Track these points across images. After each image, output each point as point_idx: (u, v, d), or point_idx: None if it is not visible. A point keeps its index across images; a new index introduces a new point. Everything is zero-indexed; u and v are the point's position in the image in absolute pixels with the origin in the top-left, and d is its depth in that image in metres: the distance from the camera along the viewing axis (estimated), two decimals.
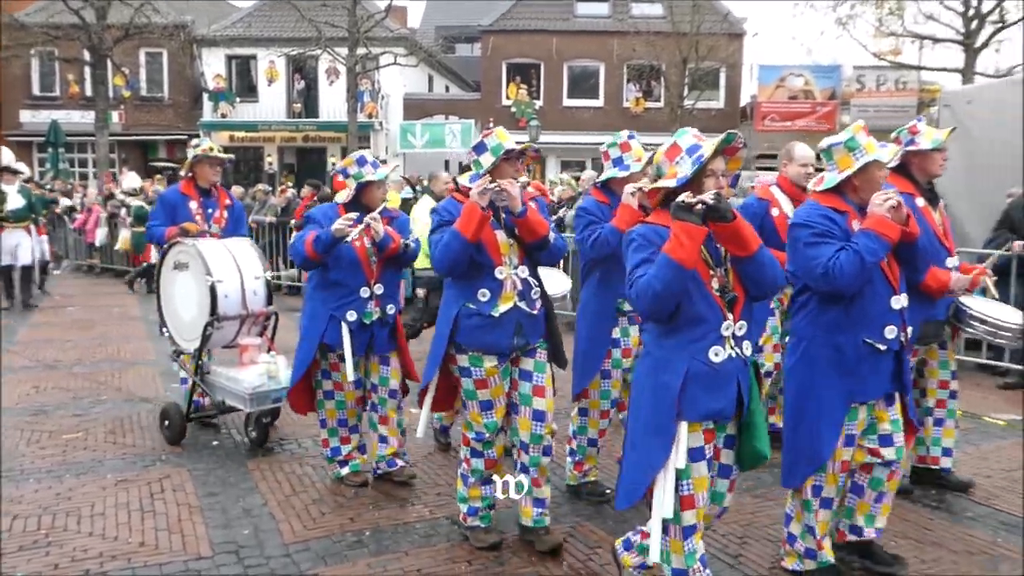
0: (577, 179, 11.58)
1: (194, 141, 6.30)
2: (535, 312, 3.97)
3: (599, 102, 29.65)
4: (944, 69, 22.10)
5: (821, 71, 27.94)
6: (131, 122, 29.17)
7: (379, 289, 4.68)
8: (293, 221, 13.15)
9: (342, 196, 4.68)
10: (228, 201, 6.35)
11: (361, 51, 22.67)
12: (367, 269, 4.63)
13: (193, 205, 6.07)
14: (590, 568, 3.86)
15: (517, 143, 3.91)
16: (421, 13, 42.77)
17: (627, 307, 4.41)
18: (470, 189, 3.80)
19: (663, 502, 3.00)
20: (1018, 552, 4.06)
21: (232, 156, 6.19)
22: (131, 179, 16.96)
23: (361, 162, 4.65)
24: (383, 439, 4.86)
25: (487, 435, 3.95)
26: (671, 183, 3.03)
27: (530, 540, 4.03)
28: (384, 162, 4.49)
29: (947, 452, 4.76)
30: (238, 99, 28.86)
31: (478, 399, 3.93)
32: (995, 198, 7.99)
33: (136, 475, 5.02)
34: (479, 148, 3.88)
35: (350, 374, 4.61)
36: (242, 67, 29.70)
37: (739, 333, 3.05)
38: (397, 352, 4.85)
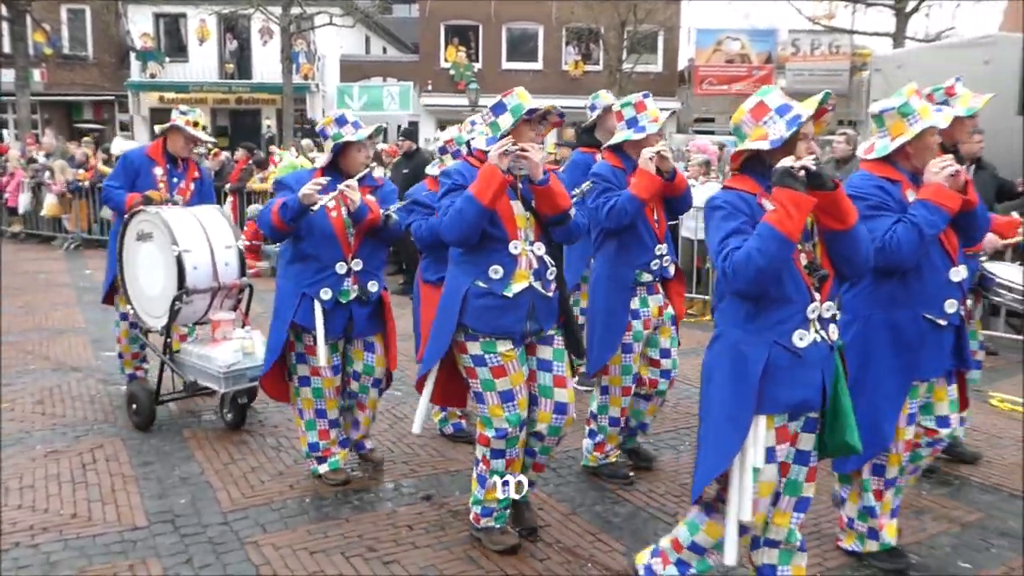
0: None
1: (183, 107, 5.73)
2: (550, 295, 3.61)
3: (538, 65, 29.46)
4: (876, 33, 22.50)
5: (757, 35, 28.22)
6: (54, 81, 28.05)
7: (357, 265, 4.21)
8: (228, 186, 12.88)
9: (321, 159, 4.31)
10: (197, 173, 5.88)
11: (296, 11, 22.14)
12: (343, 242, 4.15)
13: (158, 171, 5.59)
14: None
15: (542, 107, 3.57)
16: None
17: (645, 278, 4.23)
18: (485, 153, 3.49)
19: (740, 503, 2.75)
20: (940, 504, 4.24)
21: (213, 141, 5.83)
22: (120, 143, 16.12)
23: (340, 121, 4.19)
24: (355, 423, 4.55)
25: (510, 431, 3.52)
26: (762, 145, 2.73)
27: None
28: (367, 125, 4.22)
29: (961, 422, 4.80)
30: (167, 59, 27.94)
31: (496, 389, 3.52)
32: None
33: (67, 446, 4.89)
34: (498, 108, 3.52)
35: (322, 358, 4.17)
36: (171, 25, 28.72)
37: (826, 315, 2.79)
38: (382, 336, 4.42)
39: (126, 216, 5.38)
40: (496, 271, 3.47)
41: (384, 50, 33.75)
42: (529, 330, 3.55)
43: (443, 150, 4.94)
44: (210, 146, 5.25)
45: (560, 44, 29.27)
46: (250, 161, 13.36)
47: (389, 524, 3.95)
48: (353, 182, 4.06)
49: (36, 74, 26.14)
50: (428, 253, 4.80)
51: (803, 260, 2.74)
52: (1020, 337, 7.41)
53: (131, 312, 5.50)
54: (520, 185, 3.53)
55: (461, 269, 3.57)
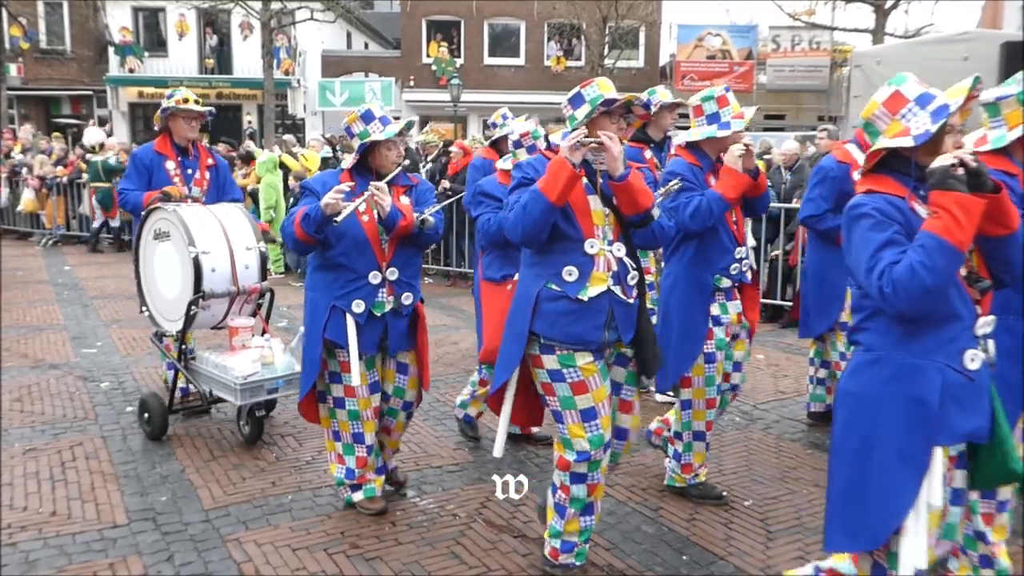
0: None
1: (168, 91, 5.49)
2: (631, 301, 3.26)
3: (520, 61, 29.44)
4: (856, 30, 22.65)
5: (738, 31, 28.31)
6: (31, 76, 27.75)
7: (392, 274, 3.82)
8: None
9: (347, 159, 3.94)
10: (211, 160, 5.60)
11: (276, 5, 21.98)
12: (377, 249, 3.77)
13: (170, 165, 5.36)
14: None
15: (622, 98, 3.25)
16: None
17: (724, 283, 3.97)
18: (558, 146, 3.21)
19: (916, 548, 2.40)
20: None
21: (212, 109, 5.48)
22: (94, 133, 15.90)
23: (367, 117, 3.80)
24: (381, 446, 4.17)
25: (592, 453, 3.18)
26: (905, 142, 2.41)
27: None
28: (397, 118, 3.88)
29: None
30: (147, 53, 27.69)
31: (577, 407, 3.18)
32: None
33: (46, 444, 4.85)
34: (576, 100, 3.21)
35: (356, 377, 3.79)
36: (150, 20, 28.45)
37: (987, 331, 2.49)
38: (415, 353, 4.05)
39: (143, 213, 5.15)
40: (570, 272, 3.16)
41: (366, 45, 33.61)
42: (608, 340, 3.22)
43: (517, 144, 4.65)
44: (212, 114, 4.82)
45: (542, 40, 29.25)
46: (234, 155, 13.28)
47: (371, 520, 3.94)
48: (382, 184, 3.69)
49: (13, 69, 25.84)
50: (493, 249, 4.59)
51: (962, 271, 2.43)
52: None
53: (147, 313, 5.24)
54: (600, 180, 3.24)
55: (532, 272, 3.26)
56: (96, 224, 13.57)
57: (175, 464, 4.58)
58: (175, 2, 25.78)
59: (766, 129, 21.67)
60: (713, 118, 3.92)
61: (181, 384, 5.22)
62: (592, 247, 3.17)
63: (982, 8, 26.51)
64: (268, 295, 5.14)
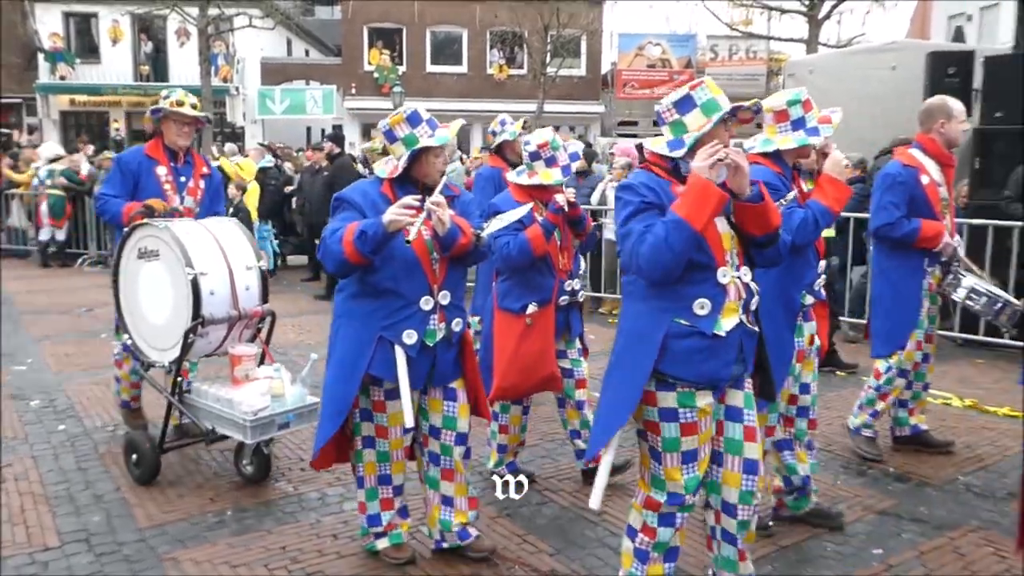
0: None
1: (163, 92, 4.97)
2: (756, 329, 2.99)
3: (463, 68, 29.50)
4: (791, 39, 23.13)
5: (677, 40, 28.81)
6: None
7: (444, 298, 3.37)
8: None
9: (386, 167, 3.38)
10: (205, 169, 5.08)
11: (213, 11, 21.63)
12: (428, 271, 3.32)
13: (161, 171, 4.83)
14: None
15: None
16: None
17: (808, 300, 3.72)
18: (659, 157, 2.90)
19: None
20: (855, 493, 4.38)
21: (208, 115, 5.00)
22: (51, 147, 15.50)
23: (413, 119, 3.31)
24: (447, 500, 3.55)
25: (687, 498, 2.91)
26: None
27: None
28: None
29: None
30: (78, 60, 27.03)
31: (681, 449, 2.89)
32: None
33: None
34: (683, 103, 2.86)
35: (409, 418, 3.32)
36: (82, 25, 27.82)
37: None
38: (464, 379, 3.60)
39: (126, 229, 4.57)
40: (703, 305, 2.82)
41: (306, 52, 33.30)
42: (736, 374, 2.93)
43: (535, 155, 4.13)
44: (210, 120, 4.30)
45: (484, 48, 29.37)
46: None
47: (313, 534, 3.88)
48: (441, 199, 3.23)
49: None
50: (510, 275, 4.17)
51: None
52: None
53: (129, 342, 4.66)
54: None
55: (652, 306, 2.87)
56: (44, 236, 13.17)
57: (109, 483, 4.46)
58: (108, 7, 25.25)
59: None
60: (799, 123, 3.60)
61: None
62: (724, 276, 2.84)
63: (910, 20, 27.44)
64: (269, 318, 4.61)
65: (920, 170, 4.52)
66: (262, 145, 14.77)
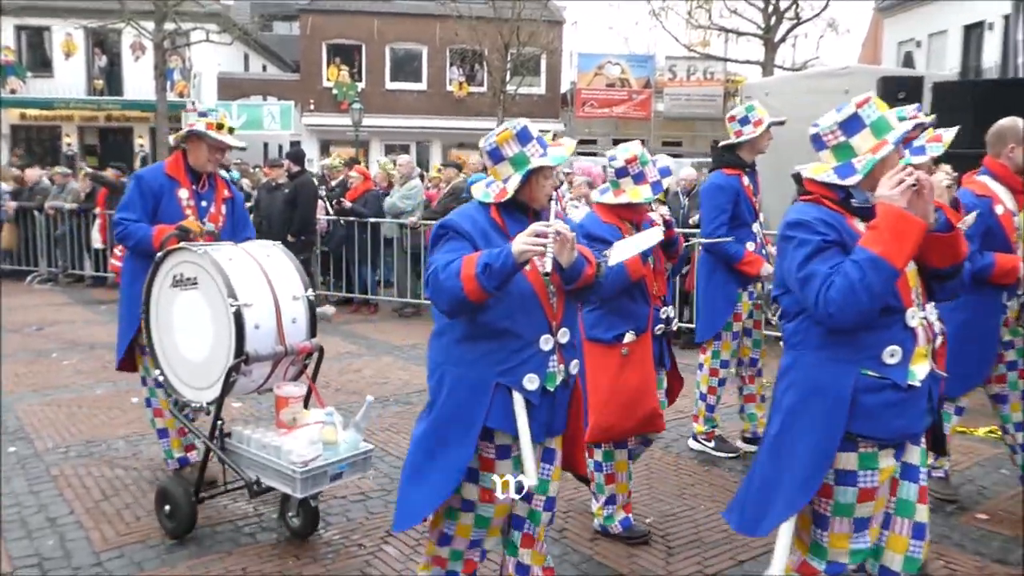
0: (394, 163, 11.30)
1: (200, 106, 4.59)
2: (943, 374, 2.70)
3: (422, 85, 29.55)
4: (747, 62, 23.57)
5: (636, 60, 29.20)
6: None
7: (564, 336, 2.92)
8: (97, 209, 12.32)
9: (490, 191, 2.91)
10: (227, 193, 4.65)
11: (170, 26, 21.38)
12: (546, 307, 2.87)
13: (183, 194, 4.42)
14: None
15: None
16: None
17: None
18: (825, 187, 2.60)
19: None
20: None
21: (245, 145, 4.65)
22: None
23: (523, 137, 2.87)
24: (522, 568, 3.06)
25: (850, 569, 2.65)
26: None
27: None
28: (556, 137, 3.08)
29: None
30: (30, 74, 26.53)
31: (854, 515, 2.60)
32: (790, 183, 8.67)
33: None
34: (850, 125, 2.57)
35: (532, 474, 2.82)
36: (34, 38, 27.29)
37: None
38: (560, 436, 3.08)
39: (159, 255, 4.10)
40: (893, 353, 2.53)
41: (264, 68, 33.09)
42: (924, 427, 2.65)
43: (622, 172, 3.79)
44: (238, 150, 3.92)
45: (444, 65, 29.46)
46: (124, 180, 12.83)
47: (274, 555, 3.84)
48: (565, 225, 2.76)
49: None
50: (601, 303, 3.79)
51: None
52: None
53: (160, 378, 4.19)
54: None
55: (831, 356, 2.57)
56: None
57: (62, 506, 4.36)
58: (62, 20, 24.83)
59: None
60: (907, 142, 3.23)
61: (179, 453, 4.51)
62: (912, 318, 2.55)
63: (862, 44, 28.14)
64: (316, 353, 4.12)
65: (994, 199, 4.12)
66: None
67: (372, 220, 10.29)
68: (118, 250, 11.26)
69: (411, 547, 3.94)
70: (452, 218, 2.90)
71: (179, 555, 3.83)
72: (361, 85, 28.76)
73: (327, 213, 10.77)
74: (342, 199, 10.50)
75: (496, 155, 2.90)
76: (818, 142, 2.65)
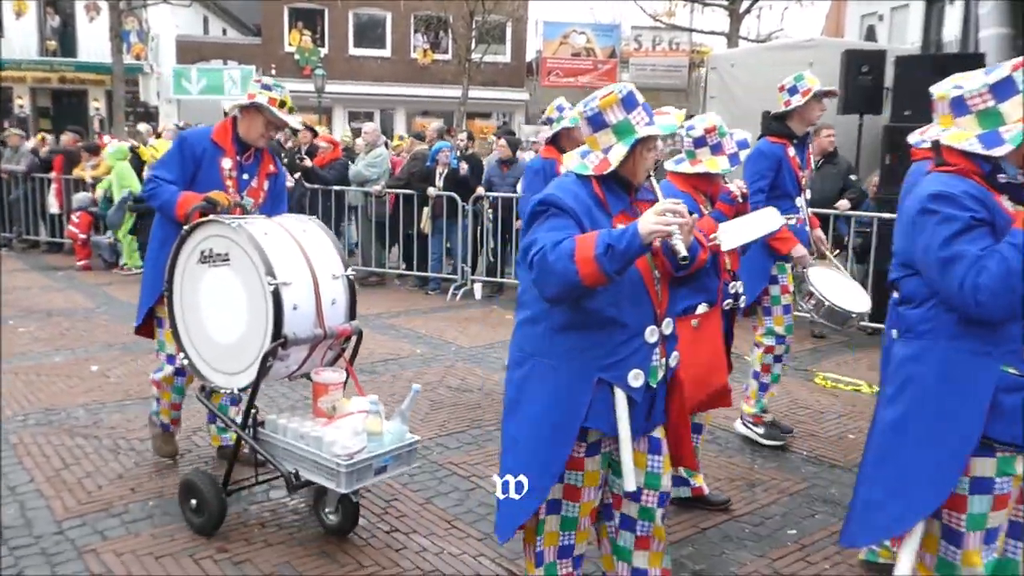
0: (357, 132, 11.18)
1: (266, 79, 4.28)
2: None
3: (386, 52, 29.15)
4: (712, 32, 23.60)
5: (602, 29, 29.10)
6: None
7: (668, 327, 2.69)
8: (53, 174, 12.04)
9: (585, 163, 2.63)
10: (272, 168, 4.36)
11: None
12: (652, 294, 2.61)
13: (226, 164, 4.14)
14: None
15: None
16: None
17: None
18: (969, 158, 2.38)
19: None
20: (770, 476, 4.55)
21: (303, 127, 4.29)
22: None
23: (629, 103, 2.57)
24: (639, 573, 2.79)
25: None
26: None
27: None
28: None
29: None
30: None
31: (986, 527, 2.44)
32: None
33: None
34: (1003, 88, 2.32)
35: (630, 479, 2.60)
36: None
37: None
38: (666, 425, 2.84)
39: (186, 228, 3.81)
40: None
41: (224, 31, 32.43)
42: None
43: (700, 142, 3.68)
44: (296, 130, 3.58)
45: (408, 32, 29.08)
46: (78, 145, 12.55)
47: (240, 523, 3.83)
48: (682, 203, 2.48)
49: None
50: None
51: None
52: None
53: (184, 362, 3.93)
54: None
55: (968, 348, 2.37)
56: None
57: (22, 474, 4.30)
58: None
59: None
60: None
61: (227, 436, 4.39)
62: None
63: (826, 17, 28.29)
64: (356, 336, 3.86)
65: None
66: (175, 126, 14.35)
67: (336, 188, 10.18)
68: (75, 216, 11.10)
69: (377, 515, 3.95)
70: (554, 192, 2.58)
71: (143, 524, 3.80)
72: (324, 51, 28.31)
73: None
74: (303, 156, 10.23)
75: (597, 121, 2.60)
76: (960, 106, 2.38)
